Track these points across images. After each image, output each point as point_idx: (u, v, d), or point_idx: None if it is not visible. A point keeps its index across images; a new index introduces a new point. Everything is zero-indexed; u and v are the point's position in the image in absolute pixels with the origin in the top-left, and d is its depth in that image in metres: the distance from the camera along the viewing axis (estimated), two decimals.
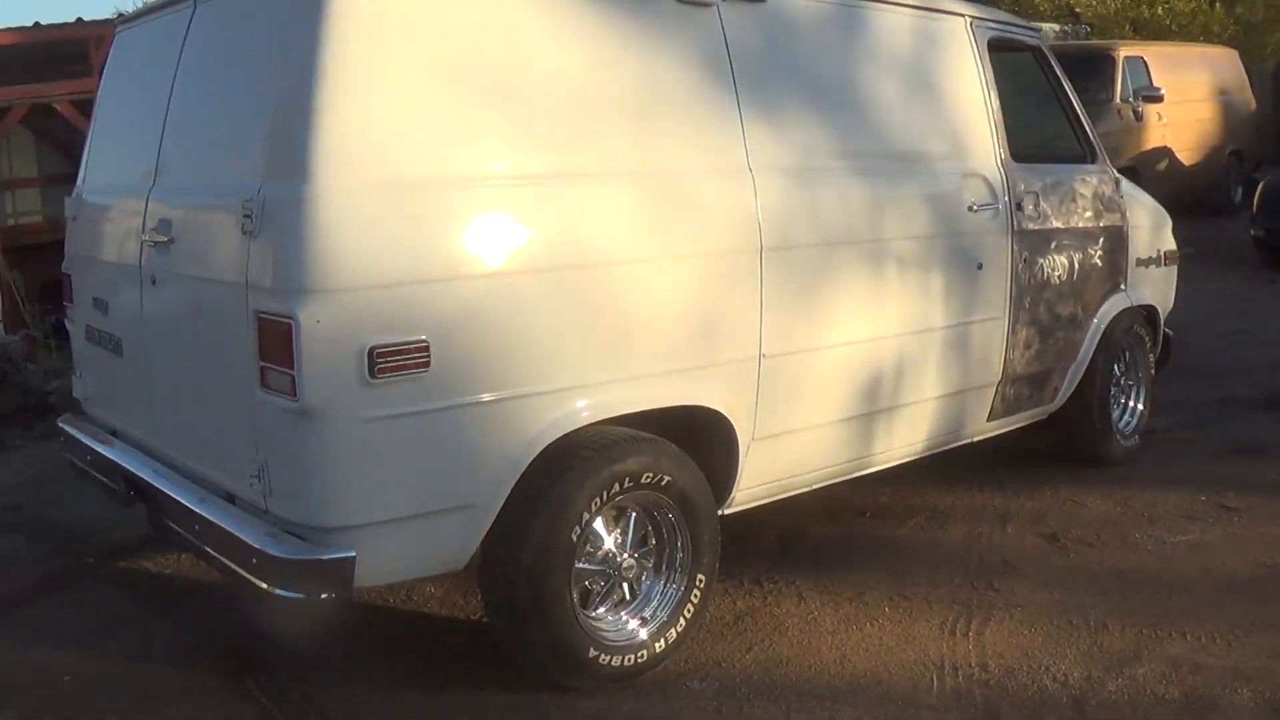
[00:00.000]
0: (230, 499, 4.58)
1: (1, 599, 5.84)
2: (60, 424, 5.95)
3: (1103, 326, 7.03)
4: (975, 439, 6.58)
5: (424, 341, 4.12)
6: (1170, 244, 7.86)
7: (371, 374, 4.03)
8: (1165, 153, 16.43)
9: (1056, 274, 6.60)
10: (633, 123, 4.78)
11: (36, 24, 13.33)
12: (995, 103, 6.29)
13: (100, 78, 6.03)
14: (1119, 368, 7.39)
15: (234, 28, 4.73)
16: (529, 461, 4.43)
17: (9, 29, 13.45)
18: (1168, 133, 16.43)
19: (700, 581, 4.89)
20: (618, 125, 4.73)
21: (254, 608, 4.50)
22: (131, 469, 5.10)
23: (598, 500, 4.55)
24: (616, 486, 4.58)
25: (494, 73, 4.41)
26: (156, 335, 5.03)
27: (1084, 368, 6.98)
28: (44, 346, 10.91)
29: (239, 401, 4.32)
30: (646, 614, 4.82)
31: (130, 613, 5.68)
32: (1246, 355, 10.44)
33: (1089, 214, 6.85)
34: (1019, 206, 6.29)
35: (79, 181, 5.91)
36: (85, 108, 6.07)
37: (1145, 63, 16.45)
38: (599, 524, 4.68)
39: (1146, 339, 7.60)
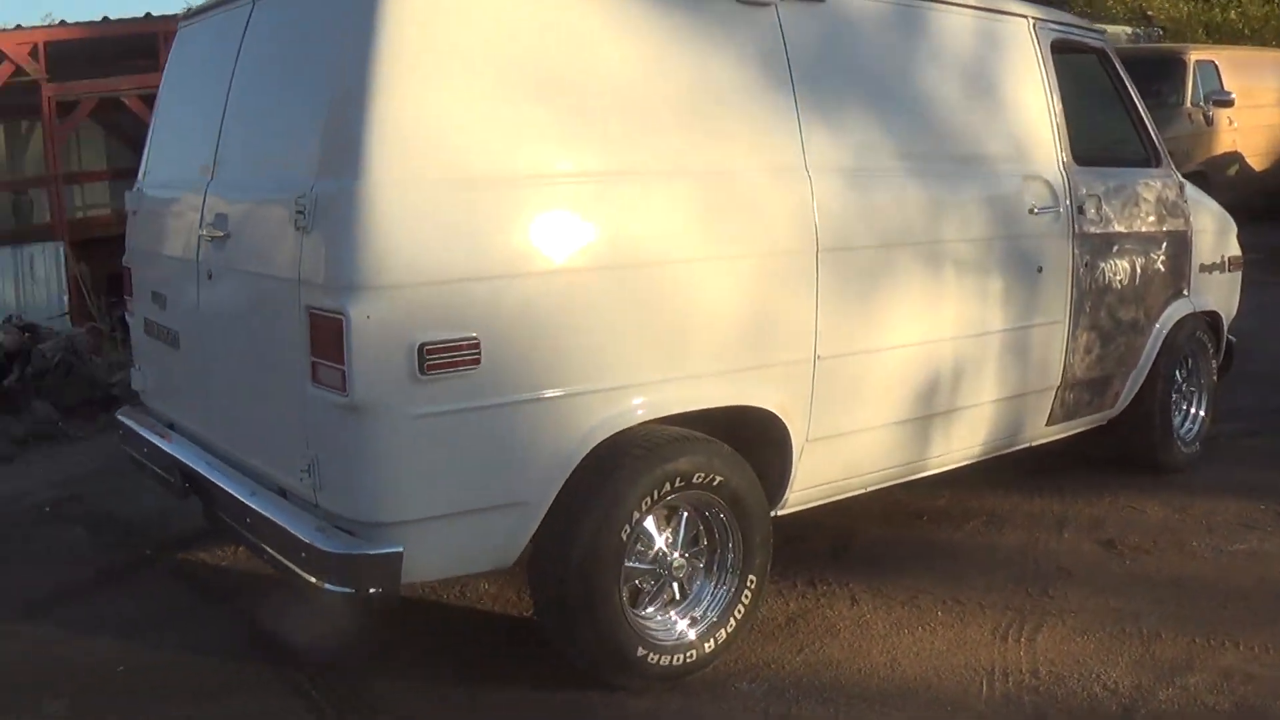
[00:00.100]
0: (282, 493, 4.60)
1: (60, 590, 5.90)
2: (118, 416, 6.01)
3: (1165, 332, 6.95)
4: (1034, 443, 6.52)
5: (474, 338, 4.12)
6: (1235, 249, 7.78)
7: (421, 370, 4.03)
8: (1235, 158, 16.24)
9: (1118, 278, 6.53)
10: (690, 122, 4.76)
11: (105, 19, 13.47)
12: (1058, 105, 6.22)
13: None
14: (1181, 374, 7.31)
15: (291, 23, 4.76)
16: (580, 459, 4.42)
17: (78, 24, 13.61)
18: (1238, 137, 16.24)
19: (751, 583, 4.87)
20: (675, 124, 4.71)
21: (306, 601, 4.51)
22: (186, 461, 5.14)
23: (649, 499, 4.53)
24: (668, 486, 4.57)
25: (549, 69, 4.40)
26: (212, 329, 5.07)
27: (1145, 373, 6.90)
28: (110, 339, 11.01)
29: (291, 396, 4.34)
30: (696, 614, 4.80)
31: (186, 605, 5.74)
32: None
33: (1152, 218, 6.78)
34: (1081, 210, 6.23)
35: (140, 176, 5.96)
36: (153, 102, 6.12)
37: (1216, 67, 16.25)
38: (650, 523, 4.67)
39: (1209, 345, 7.51)
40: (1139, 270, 6.67)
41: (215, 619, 5.56)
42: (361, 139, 4.00)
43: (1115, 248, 6.49)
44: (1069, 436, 6.79)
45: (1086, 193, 6.28)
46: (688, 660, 4.71)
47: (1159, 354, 6.93)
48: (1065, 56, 6.46)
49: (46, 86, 12.82)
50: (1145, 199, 6.76)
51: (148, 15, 13.49)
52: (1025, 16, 6.20)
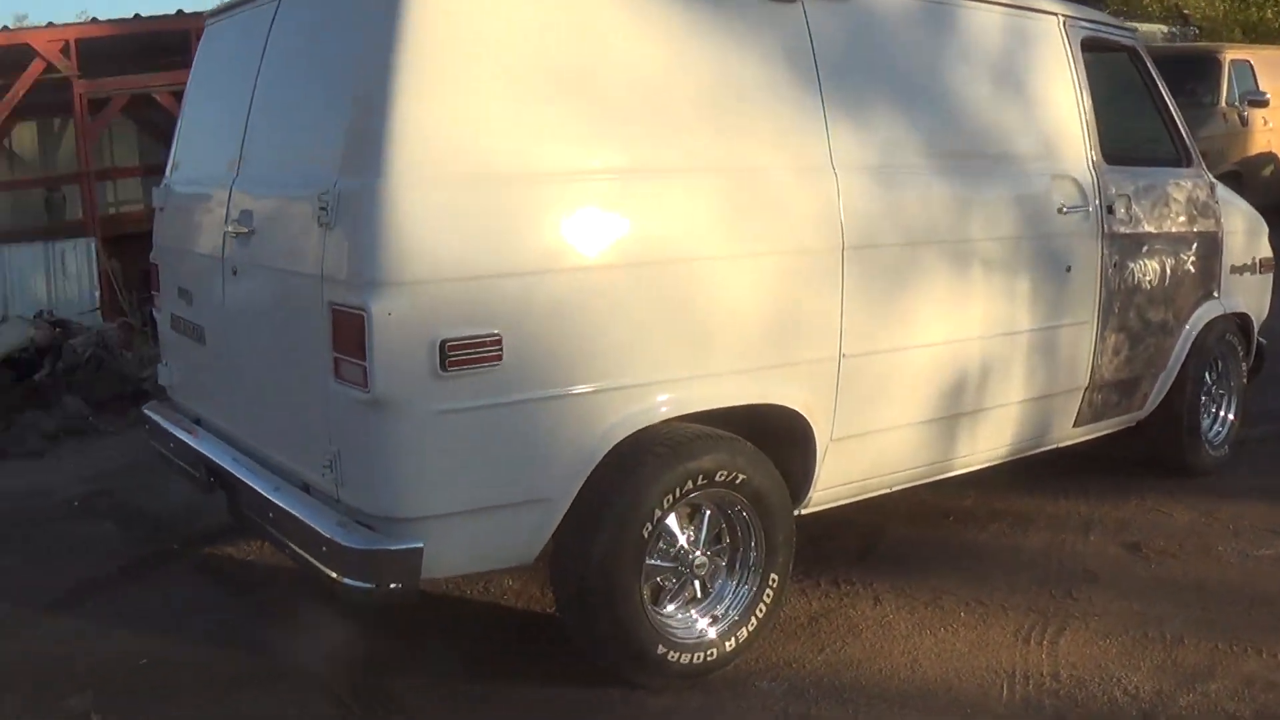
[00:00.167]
0: (305, 488, 4.61)
1: (88, 583, 5.93)
2: (145, 411, 6.04)
3: (1194, 333, 6.90)
4: (1061, 444, 6.49)
5: (496, 335, 4.12)
6: (1266, 251, 7.72)
7: (443, 366, 4.04)
8: (1270, 158, 16.11)
9: (1147, 279, 6.49)
10: (715, 119, 4.74)
11: (137, 15, 13.48)
12: (1088, 104, 6.18)
13: None
14: (1210, 376, 7.26)
15: (316, 20, 4.77)
16: (602, 456, 4.42)
17: (110, 21, 13.64)
18: (1273, 138, 16.10)
19: (773, 581, 4.86)
20: (700, 121, 4.70)
21: (328, 595, 4.52)
22: (212, 457, 5.16)
23: (671, 497, 4.53)
24: (690, 484, 4.56)
25: (572, 67, 4.40)
26: (237, 325, 5.09)
27: (1174, 375, 6.85)
28: (140, 334, 11.04)
29: (313, 392, 4.35)
30: (718, 612, 4.80)
31: (211, 599, 5.77)
32: None
33: (1182, 219, 6.73)
34: (1110, 209, 6.19)
35: (167, 172, 5.99)
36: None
37: (1251, 66, 16.12)
38: (672, 521, 4.67)
39: (1239, 347, 7.45)
40: (1168, 271, 6.62)
41: (240, 613, 5.59)
42: (384, 136, 4.01)
43: (1145, 248, 6.45)
44: (1096, 438, 6.75)
45: (1116, 192, 6.24)
46: (708, 659, 4.71)
47: (1188, 356, 6.88)
48: (1096, 55, 6.42)
49: (78, 83, 12.85)
50: (1175, 199, 6.71)
51: (179, 12, 13.48)
52: (1055, 14, 6.16)
